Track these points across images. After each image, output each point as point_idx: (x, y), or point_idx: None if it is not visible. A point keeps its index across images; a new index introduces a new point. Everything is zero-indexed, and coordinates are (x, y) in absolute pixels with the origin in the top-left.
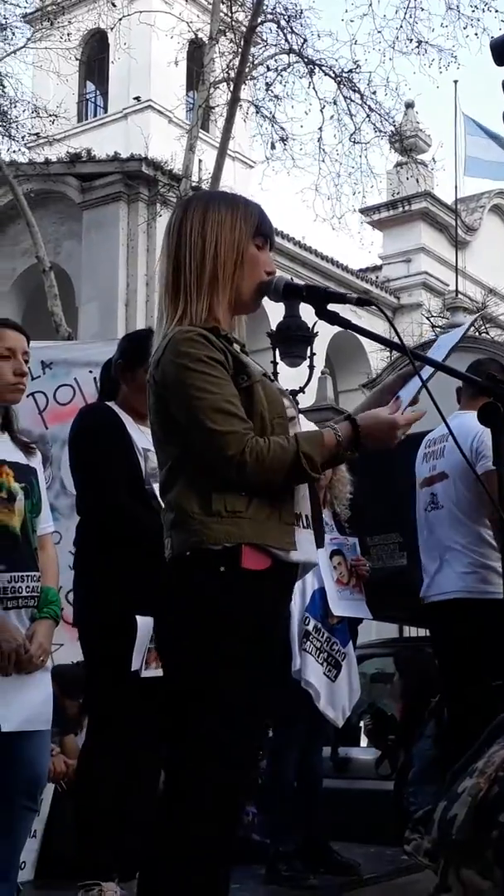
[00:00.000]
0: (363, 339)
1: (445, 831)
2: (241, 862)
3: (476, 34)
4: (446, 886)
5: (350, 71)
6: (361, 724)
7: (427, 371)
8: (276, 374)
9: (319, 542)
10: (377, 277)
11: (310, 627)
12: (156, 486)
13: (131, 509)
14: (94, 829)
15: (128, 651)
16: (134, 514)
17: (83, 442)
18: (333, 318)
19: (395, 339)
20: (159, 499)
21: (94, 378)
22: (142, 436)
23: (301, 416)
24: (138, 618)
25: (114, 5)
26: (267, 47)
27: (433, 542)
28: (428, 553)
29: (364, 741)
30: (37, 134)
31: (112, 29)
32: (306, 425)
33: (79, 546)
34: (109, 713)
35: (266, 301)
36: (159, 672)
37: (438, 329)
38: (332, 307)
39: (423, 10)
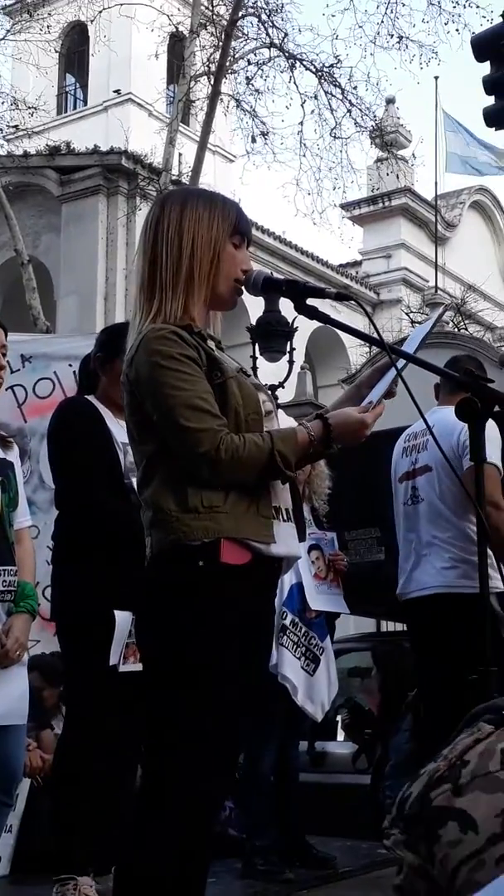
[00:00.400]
0: (342, 335)
1: (400, 808)
2: (218, 856)
3: (457, 30)
4: (400, 871)
5: (331, 66)
6: (338, 718)
7: (400, 363)
8: (255, 368)
9: (301, 536)
10: (357, 273)
11: (287, 622)
12: (135, 481)
13: (110, 504)
14: (71, 823)
15: (106, 646)
16: (112, 508)
17: (62, 436)
18: (313, 313)
19: (374, 334)
20: (138, 494)
21: (74, 371)
22: (121, 430)
23: (280, 410)
24: (116, 613)
25: None
26: (248, 41)
27: (412, 537)
28: (405, 548)
29: (340, 735)
30: (16, 126)
31: (92, 21)
32: (285, 420)
33: (57, 540)
34: (87, 707)
35: (246, 296)
36: (138, 667)
37: (417, 325)
38: (311, 302)
39: (404, 5)
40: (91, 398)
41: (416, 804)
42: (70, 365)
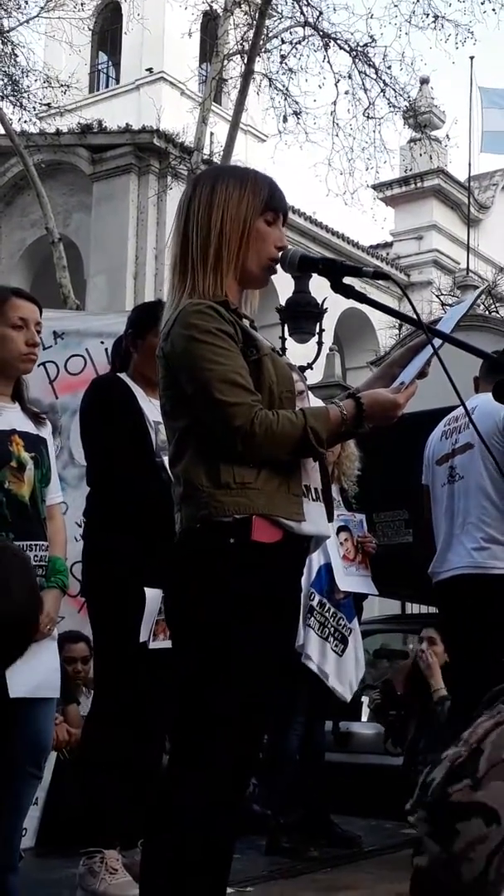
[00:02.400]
0: (371, 316)
1: (422, 793)
2: (242, 833)
3: (494, 10)
4: (420, 850)
5: (365, 45)
6: (364, 699)
7: (436, 343)
8: (284, 349)
9: (329, 516)
10: (388, 254)
11: (314, 603)
12: (166, 459)
13: (140, 482)
14: (99, 797)
15: (136, 622)
16: (143, 486)
17: (94, 414)
18: (349, 292)
19: (409, 314)
20: (169, 471)
21: (106, 349)
22: (153, 408)
23: (309, 392)
24: (147, 590)
25: None
26: (282, 20)
27: (447, 518)
28: (441, 529)
29: (365, 716)
30: (48, 104)
31: None
32: (314, 401)
33: (88, 517)
34: (117, 683)
35: (275, 277)
36: (167, 644)
37: (448, 307)
38: (347, 280)
39: None
40: (123, 376)
41: (437, 792)
42: (102, 342)
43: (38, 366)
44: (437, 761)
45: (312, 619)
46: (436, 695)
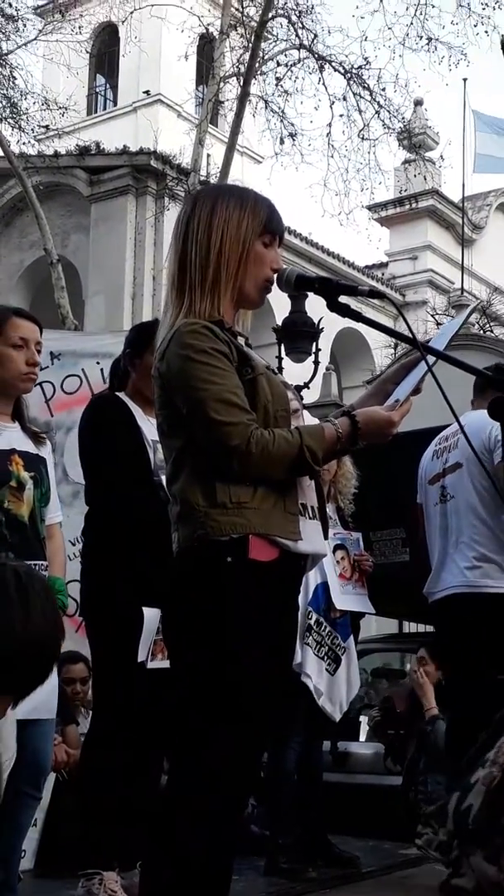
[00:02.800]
0: (368, 336)
1: (461, 822)
2: (241, 853)
3: (486, 32)
4: (460, 873)
5: (360, 67)
6: (362, 718)
7: (430, 360)
8: (280, 369)
9: (325, 534)
10: (383, 274)
11: (311, 621)
12: (164, 478)
13: (139, 501)
14: (97, 818)
15: (134, 642)
16: (141, 505)
17: (93, 433)
18: (345, 311)
19: (404, 332)
20: (166, 488)
21: (101, 369)
22: (151, 427)
23: (305, 411)
24: (145, 609)
25: None
26: (277, 42)
27: (440, 537)
28: (434, 548)
29: (363, 735)
30: (46, 126)
31: (123, 22)
32: (310, 420)
33: (87, 537)
34: (115, 704)
35: (272, 296)
36: (166, 663)
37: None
38: (342, 299)
39: (433, 6)
40: (121, 395)
41: (482, 820)
42: (98, 363)
43: (35, 385)
44: (467, 786)
45: (310, 637)
46: (427, 714)
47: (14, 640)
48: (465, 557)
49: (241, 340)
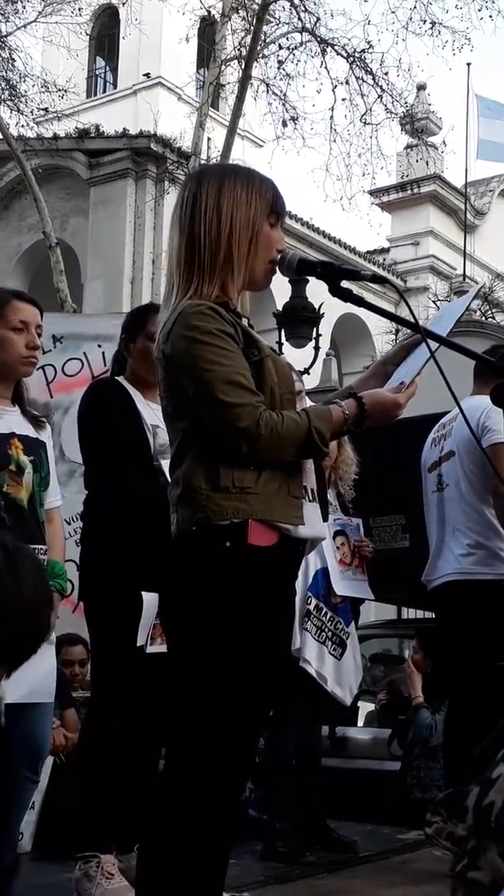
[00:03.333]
0: (368, 322)
1: (483, 819)
2: (238, 838)
3: (491, 16)
4: (476, 866)
5: (363, 51)
6: (361, 703)
7: (432, 345)
8: (280, 354)
9: (324, 516)
10: (384, 260)
11: (311, 607)
12: (164, 463)
13: (138, 485)
14: (95, 801)
15: (133, 627)
16: (141, 489)
17: (93, 416)
18: (347, 295)
19: (406, 317)
20: (167, 475)
21: (103, 352)
22: (150, 412)
23: (305, 393)
24: (144, 594)
25: None
26: (279, 25)
27: (438, 525)
28: (432, 536)
29: (361, 721)
30: (45, 109)
31: (123, 4)
32: (308, 404)
33: (86, 521)
34: (114, 687)
35: (273, 282)
36: (164, 648)
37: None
38: (344, 284)
39: None
40: (121, 379)
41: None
42: (99, 345)
43: (38, 369)
44: (488, 781)
45: (309, 622)
46: (413, 702)
47: (5, 608)
48: (460, 545)
49: (245, 322)
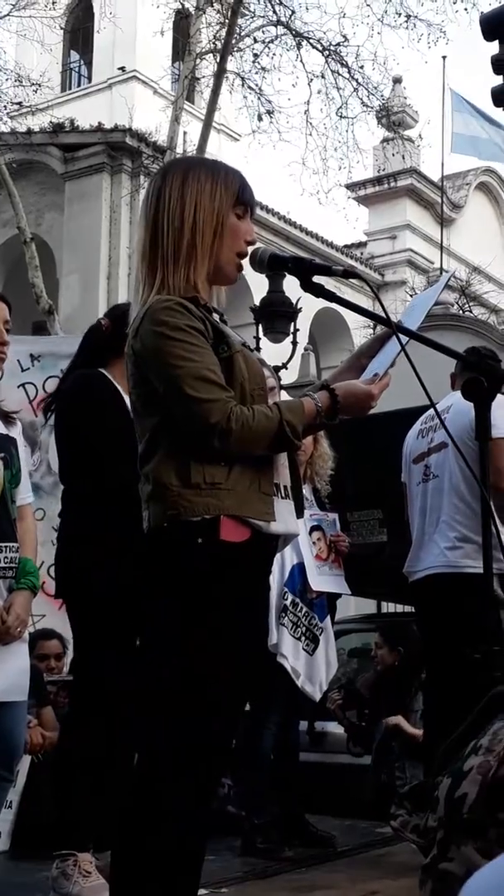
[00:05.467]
0: (346, 316)
1: (454, 810)
2: (216, 833)
3: (466, 9)
4: (447, 857)
5: (338, 44)
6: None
7: (404, 340)
8: (258, 349)
9: (299, 513)
10: (362, 254)
11: (287, 602)
12: None
13: (125, 479)
14: (72, 799)
15: (114, 624)
16: (128, 484)
17: (79, 406)
18: (319, 291)
19: (380, 313)
20: (139, 469)
21: None
22: None
23: (280, 388)
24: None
25: None
26: (254, 18)
27: (422, 516)
28: (416, 527)
29: None
30: (19, 103)
31: None
32: (284, 399)
33: (65, 517)
34: (94, 685)
35: (249, 276)
36: None
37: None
38: (317, 280)
39: None
40: (104, 371)
41: (478, 811)
42: None
43: (19, 387)
44: (459, 773)
45: (286, 618)
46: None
47: None
48: (446, 537)
49: (216, 317)
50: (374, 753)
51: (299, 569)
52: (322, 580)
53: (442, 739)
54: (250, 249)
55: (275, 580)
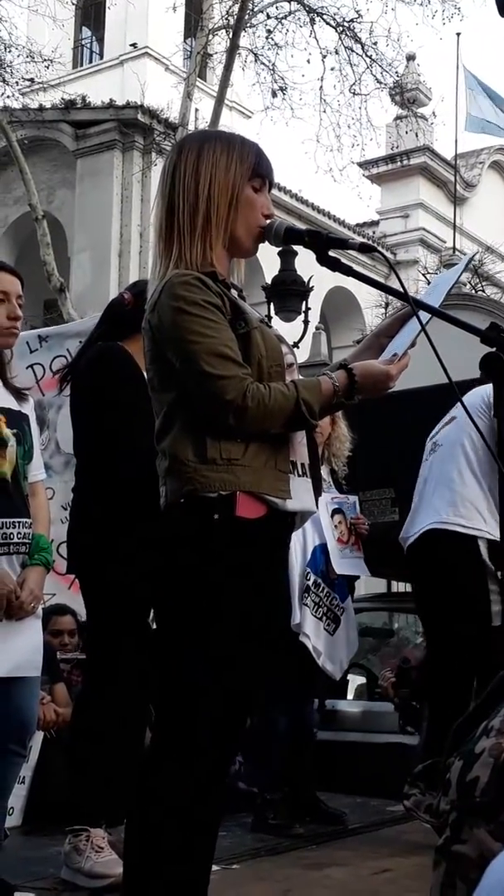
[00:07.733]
0: (358, 295)
1: (467, 793)
2: (228, 810)
3: None
4: (461, 839)
5: (352, 20)
6: (350, 677)
7: (425, 316)
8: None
9: (317, 491)
10: (374, 232)
11: (310, 582)
12: None
13: (145, 455)
14: (85, 775)
15: (130, 601)
16: (146, 460)
17: (100, 380)
18: (335, 265)
19: (396, 287)
20: (156, 445)
21: None
22: None
23: (297, 365)
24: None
25: None
26: None
27: (424, 484)
28: (416, 494)
29: (351, 694)
30: (31, 79)
31: None
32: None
33: (79, 494)
34: (108, 663)
35: (261, 255)
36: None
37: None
38: (333, 253)
39: None
40: (126, 346)
41: (491, 794)
42: (80, 342)
43: (27, 368)
44: (471, 755)
45: (308, 598)
46: None
47: None
48: (443, 497)
49: (234, 293)
50: (424, 733)
51: (322, 549)
52: (345, 563)
53: (441, 716)
54: (267, 223)
55: (297, 561)
